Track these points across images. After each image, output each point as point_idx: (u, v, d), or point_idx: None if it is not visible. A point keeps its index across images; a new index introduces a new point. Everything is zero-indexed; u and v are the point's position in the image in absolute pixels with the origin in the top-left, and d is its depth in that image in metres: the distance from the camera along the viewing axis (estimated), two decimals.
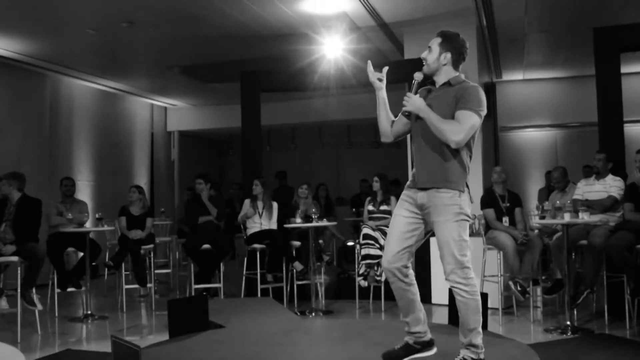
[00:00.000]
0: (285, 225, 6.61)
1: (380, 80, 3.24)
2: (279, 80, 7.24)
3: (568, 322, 4.96)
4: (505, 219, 5.72)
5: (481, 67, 7.62)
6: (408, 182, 3.26)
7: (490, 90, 10.02)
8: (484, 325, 4.15)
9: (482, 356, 3.10)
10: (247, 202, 6.83)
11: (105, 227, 6.43)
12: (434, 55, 3.18)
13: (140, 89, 10.58)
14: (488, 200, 5.87)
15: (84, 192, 9.40)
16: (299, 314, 5.90)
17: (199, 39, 7.44)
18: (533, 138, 10.41)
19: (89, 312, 6.02)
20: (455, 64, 3.19)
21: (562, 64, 9.27)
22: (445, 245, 3.08)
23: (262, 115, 7.23)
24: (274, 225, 6.75)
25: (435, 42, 3.19)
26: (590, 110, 6.44)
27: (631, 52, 6.63)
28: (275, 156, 12.61)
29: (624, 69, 6.10)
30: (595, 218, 5.19)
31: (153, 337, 5.08)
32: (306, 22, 6.64)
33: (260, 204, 6.76)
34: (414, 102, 3.13)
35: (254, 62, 7.95)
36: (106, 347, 4.48)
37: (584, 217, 5.01)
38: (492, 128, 10.19)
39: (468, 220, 3.11)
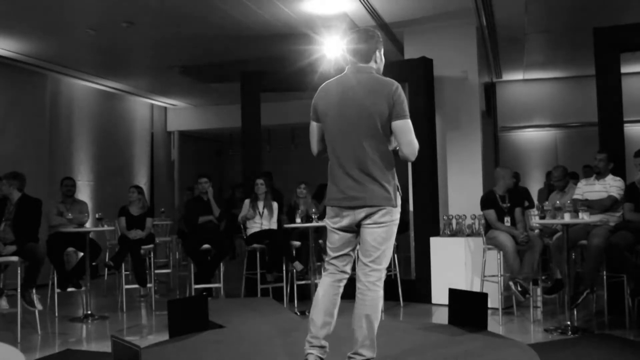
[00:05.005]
0: (286, 225, 6.62)
1: None
2: (279, 80, 7.23)
3: (568, 322, 4.96)
4: (507, 219, 5.72)
5: (481, 67, 7.62)
6: None
7: (490, 90, 10.04)
8: (484, 325, 4.18)
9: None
10: (246, 202, 6.83)
11: (105, 227, 6.43)
12: None
13: (140, 89, 10.58)
14: (488, 201, 5.87)
15: (84, 192, 9.40)
16: (299, 314, 5.90)
17: (199, 39, 7.44)
18: (533, 138, 10.41)
19: (89, 312, 6.02)
20: None
21: (562, 64, 9.27)
22: None
23: (262, 115, 7.22)
24: (274, 225, 6.75)
25: None
26: (590, 110, 6.45)
27: (631, 52, 6.63)
28: (275, 156, 12.60)
29: (624, 69, 6.09)
30: (595, 218, 5.19)
31: (153, 337, 5.07)
32: (306, 22, 6.64)
33: (260, 204, 6.77)
34: None
35: (254, 62, 7.95)
36: (106, 347, 4.49)
37: (584, 217, 5.01)
38: (492, 128, 10.20)
39: None
